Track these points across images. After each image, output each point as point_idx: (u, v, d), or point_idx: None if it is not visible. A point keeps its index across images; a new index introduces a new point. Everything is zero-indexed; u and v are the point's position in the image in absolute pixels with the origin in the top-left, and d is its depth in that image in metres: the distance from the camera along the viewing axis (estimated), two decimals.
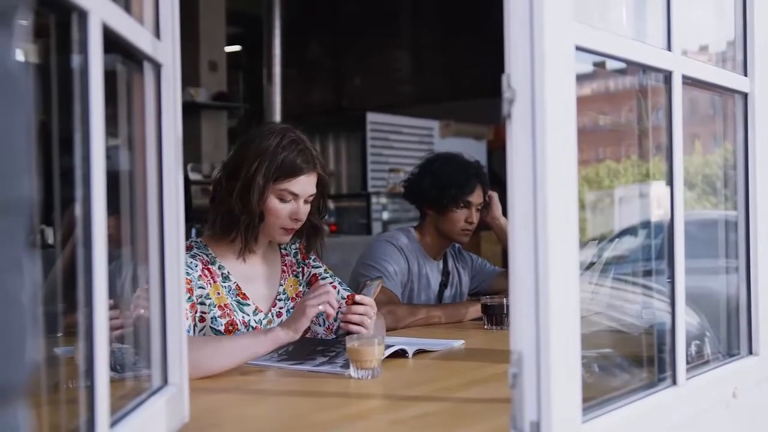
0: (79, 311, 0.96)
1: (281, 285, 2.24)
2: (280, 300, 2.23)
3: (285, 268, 2.28)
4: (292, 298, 2.26)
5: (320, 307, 1.90)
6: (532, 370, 1.11)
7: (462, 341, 2.28)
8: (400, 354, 2.02)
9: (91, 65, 0.97)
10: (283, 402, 1.68)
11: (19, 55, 0.58)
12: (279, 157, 2.06)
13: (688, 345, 1.52)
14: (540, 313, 1.10)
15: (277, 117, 7.50)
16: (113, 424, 1.04)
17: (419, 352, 2.08)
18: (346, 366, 1.82)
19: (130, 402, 1.19)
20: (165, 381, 1.32)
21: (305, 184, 2.11)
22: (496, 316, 2.55)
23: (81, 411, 0.98)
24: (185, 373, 1.36)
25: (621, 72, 1.68)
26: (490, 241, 5.74)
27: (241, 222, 2.08)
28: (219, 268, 2.13)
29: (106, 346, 0.98)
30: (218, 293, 2.09)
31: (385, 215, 7.24)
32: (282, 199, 2.10)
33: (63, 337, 1.22)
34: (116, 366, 1.27)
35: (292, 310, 2.20)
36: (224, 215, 2.11)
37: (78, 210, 0.97)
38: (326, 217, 2.36)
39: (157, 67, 1.30)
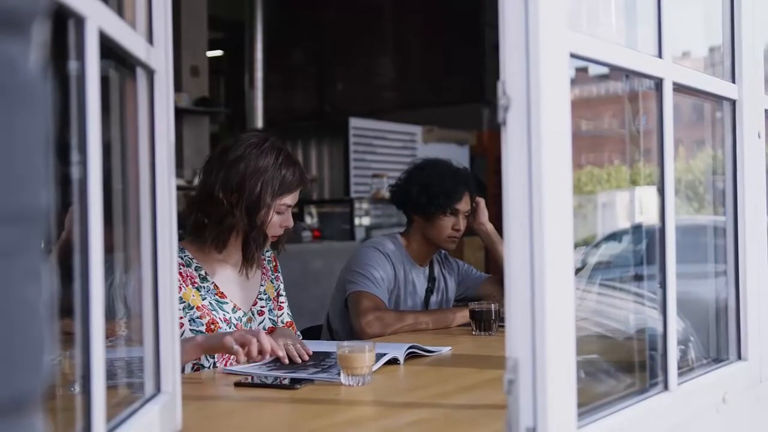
0: (75, 319, 0.95)
1: (262, 285, 2.33)
2: (261, 299, 2.31)
3: (264, 270, 2.37)
4: (273, 298, 2.35)
5: (235, 347, 1.85)
6: (528, 376, 1.11)
7: (450, 347, 2.28)
8: (391, 361, 2.02)
9: (88, 71, 0.96)
10: (275, 410, 1.67)
11: (35, 63, 0.57)
12: (280, 175, 2.18)
13: None
14: (536, 319, 1.10)
15: (259, 122, 7.49)
16: None
17: (411, 357, 2.08)
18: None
19: (124, 410, 1.18)
20: (158, 389, 1.31)
21: (297, 196, 2.26)
22: (484, 322, 2.56)
23: (76, 419, 0.97)
24: (178, 381, 1.35)
25: (604, 77, 1.69)
26: (473, 247, 5.76)
27: (250, 239, 2.18)
28: (196, 270, 2.18)
29: (102, 355, 0.97)
30: (194, 295, 2.14)
31: (369, 221, 7.22)
32: (279, 212, 2.22)
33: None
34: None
35: (273, 311, 2.33)
36: (224, 230, 2.17)
37: (74, 216, 0.96)
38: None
39: (150, 73, 1.29)
